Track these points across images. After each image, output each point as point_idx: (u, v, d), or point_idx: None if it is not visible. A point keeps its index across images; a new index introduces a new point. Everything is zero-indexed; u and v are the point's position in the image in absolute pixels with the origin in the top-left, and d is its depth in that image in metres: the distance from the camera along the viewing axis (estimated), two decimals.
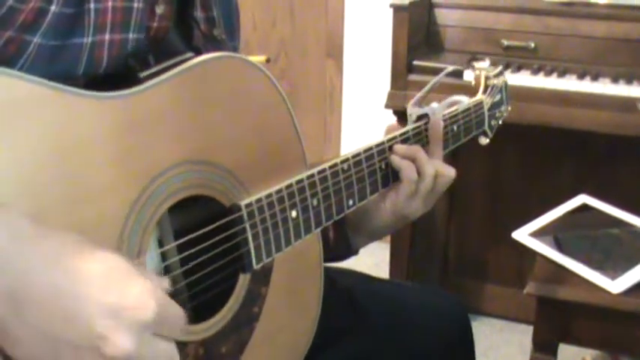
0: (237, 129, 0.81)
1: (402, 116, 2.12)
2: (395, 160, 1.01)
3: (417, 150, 1.02)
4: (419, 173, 1.01)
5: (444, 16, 2.21)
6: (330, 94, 3.13)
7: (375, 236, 1.08)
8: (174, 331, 0.62)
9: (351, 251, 1.09)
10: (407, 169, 1.00)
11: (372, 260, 2.86)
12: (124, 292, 0.58)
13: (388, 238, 2.37)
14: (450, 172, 1.04)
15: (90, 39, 0.73)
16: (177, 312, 0.62)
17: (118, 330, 0.56)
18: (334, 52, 3.08)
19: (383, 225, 1.05)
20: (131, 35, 0.77)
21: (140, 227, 0.71)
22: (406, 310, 1.13)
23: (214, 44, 0.89)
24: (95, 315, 0.56)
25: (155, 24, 0.81)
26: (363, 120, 3.03)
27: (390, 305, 1.13)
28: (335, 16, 3.04)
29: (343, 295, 1.09)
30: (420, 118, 1.07)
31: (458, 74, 2.02)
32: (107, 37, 0.74)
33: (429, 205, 1.05)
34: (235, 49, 0.97)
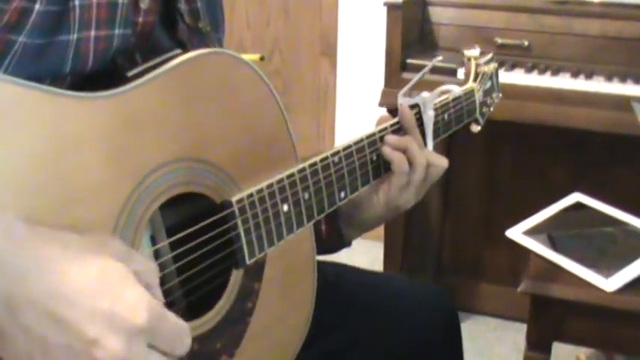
0: (227, 125, 0.81)
1: (395, 115, 2.11)
2: (386, 151, 1.00)
3: (408, 141, 1.01)
4: (411, 164, 1.01)
5: (438, 15, 2.21)
6: (324, 92, 3.13)
7: (367, 227, 1.08)
8: (174, 346, 0.62)
9: (343, 243, 1.09)
10: (398, 161, 1.00)
11: (367, 259, 2.85)
12: (116, 298, 0.58)
13: (382, 236, 2.37)
14: (441, 162, 1.04)
15: (75, 36, 0.72)
16: (176, 325, 0.62)
17: (108, 335, 0.57)
18: (328, 50, 3.08)
19: (375, 216, 1.05)
20: (117, 31, 0.76)
21: (132, 226, 0.71)
22: (393, 299, 1.14)
23: (199, 37, 0.88)
24: (87, 319, 0.57)
25: (140, 19, 0.80)
26: (357, 118, 3.03)
27: (378, 296, 1.14)
28: (329, 14, 3.03)
29: (332, 287, 1.09)
30: (410, 108, 1.07)
31: (452, 72, 2.02)
32: (92, 33, 0.74)
33: (420, 195, 1.06)
34: (220, 41, 0.96)
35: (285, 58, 3.18)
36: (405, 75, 2.10)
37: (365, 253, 2.94)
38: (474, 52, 1.26)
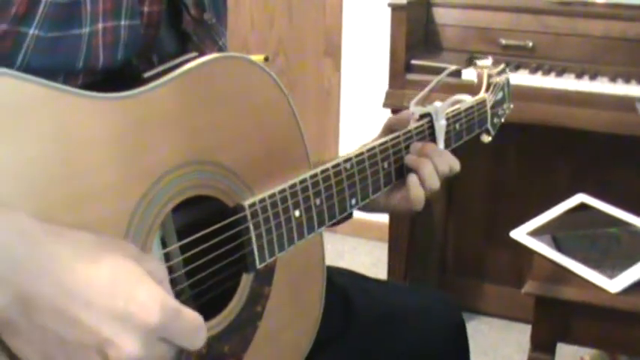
0: (241, 129, 0.81)
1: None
2: (411, 160, 1.02)
3: (422, 163, 1.02)
4: (422, 184, 1.02)
5: (442, 15, 2.21)
6: (328, 93, 3.13)
7: (375, 210, 1.08)
8: (189, 340, 0.62)
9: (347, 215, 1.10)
10: (419, 200, 1.02)
11: (370, 259, 2.86)
12: (130, 298, 0.58)
13: (386, 237, 2.37)
14: (457, 165, 1.07)
15: (87, 29, 0.72)
16: (191, 320, 0.62)
17: (123, 334, 0.58)
18: (332, 51, 3.08)
19: (386, 209, 1.07)
20: (123, 22, 0.76)
21: (144, 228, 0.71)
22: (400, 311, 1.13)
23: (204, 29, 0.89)
24: (102, 319, 0.57)
25: (146, 8, 0.80)
26: (361, 119, 3.03)
27: (385, 306, 1.13)
28: (333, 15, 3.03)
29: (338, 294, 1.09)
30: (422, 116, 1.07)
31: (456, 73, 2.02)
32: (100, 25, 0.73)
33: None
34: (224, 34, 0.97)
35: (289, 59, 3.18)
36: (410, 76, 2.10)
37: (368, 254, 2.95)
38: (486, 62, 1.26)
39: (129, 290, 0.59)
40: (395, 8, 2.08)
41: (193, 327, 0.62)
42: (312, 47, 3.13)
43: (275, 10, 3.14)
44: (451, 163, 1.05)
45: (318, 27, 3.09)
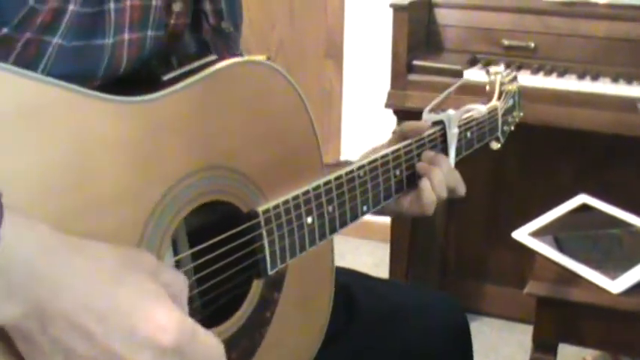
0: (258, 135, 0.81)
1: (401, 116, 2.12)
2: (422, 167, 1.03)
3: (432, 171, 1.03)
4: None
5: (444, 16, 2.21)
6: (330, 94, 3.13)
7: (384, 214, 1.09)
8: None
9: None
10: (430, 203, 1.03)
11: (372, 260, 2.86)
12: (147, 318, 0.59)
13: (388, 237, 2.37)
14: (462, 187, 1.10)
15: (111, 40, 0.72)
16: (209, 346, 0.62)
17: (136, 353, 0.58)
18: (334, 52, 3.08)
19: (395, 212, 1.08)
20: (149, 33, 0.76)
21: (159, 233, 0.71)
22: (403, 309, 1.13)
23: (222, 38, 0.89)
24: (116, 337, 0.58)
25: (172, 21, 0.80)
26: (363, 120, 3.03)
27: (387, 304, 1.13)
28: (335, 16, 3.03)
29: (341, 291, 1.09)
30: (435, 124, 1.08)
31: (457, 74, 2.02)
32: (126, 36, 0.74)
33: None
34: (239, 43, 0.97)
35: (291, 61, 3.18)
36: (411, 77, 2.10)
37: (370, 255, 2.95)
38: (498, 69, 1.27)
39: (146, 309, 0.59)
40: (397, 9, 2.08)
41: (210, 352, 0.62)
42: (313, 48, 3.13)
43: (276, 11, 3.14)
44: (458, 180, 1.08)
45: (319, 28, 3.09)
